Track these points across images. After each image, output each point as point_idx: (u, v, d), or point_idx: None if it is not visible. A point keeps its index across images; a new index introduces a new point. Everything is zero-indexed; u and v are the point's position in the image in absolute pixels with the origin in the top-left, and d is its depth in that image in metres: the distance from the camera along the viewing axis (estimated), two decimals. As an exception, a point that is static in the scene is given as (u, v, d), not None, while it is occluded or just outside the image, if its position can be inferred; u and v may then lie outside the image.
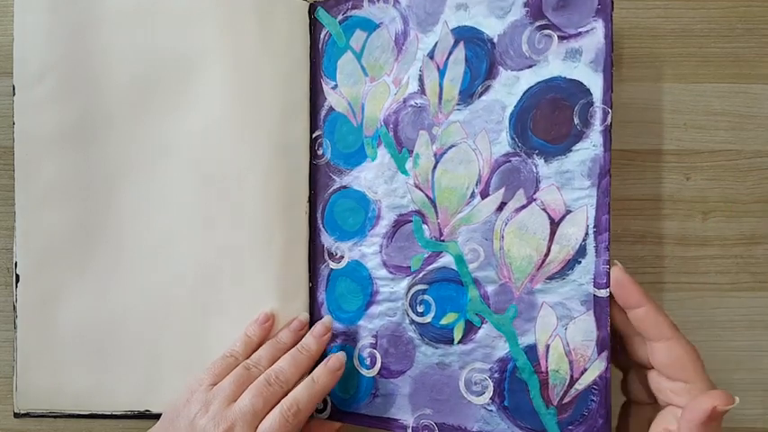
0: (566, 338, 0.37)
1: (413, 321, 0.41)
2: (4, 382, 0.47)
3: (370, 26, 0.43)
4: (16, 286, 0.42)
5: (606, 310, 0.36)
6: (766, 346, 0.44)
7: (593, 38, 0.37)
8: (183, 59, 0.43)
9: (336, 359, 0.41)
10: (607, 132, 0.36)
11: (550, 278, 0.37)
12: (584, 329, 0.36)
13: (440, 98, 0.41)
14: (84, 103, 0.43)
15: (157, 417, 0.40)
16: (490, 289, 0.39)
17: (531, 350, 0.38)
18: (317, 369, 0.41)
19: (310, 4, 0.45)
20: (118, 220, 0.43)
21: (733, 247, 0.44)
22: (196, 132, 0.43)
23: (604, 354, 0.36)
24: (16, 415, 0.43)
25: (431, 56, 0.41)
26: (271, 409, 0.38)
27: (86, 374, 0.43)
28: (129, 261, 0.43)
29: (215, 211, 0.43)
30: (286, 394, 0.39)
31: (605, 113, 0.37)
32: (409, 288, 0.42)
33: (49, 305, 0.43)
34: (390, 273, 0.42)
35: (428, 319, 0.41)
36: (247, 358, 0.41)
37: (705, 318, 0.44)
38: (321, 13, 0.45)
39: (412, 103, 0.42)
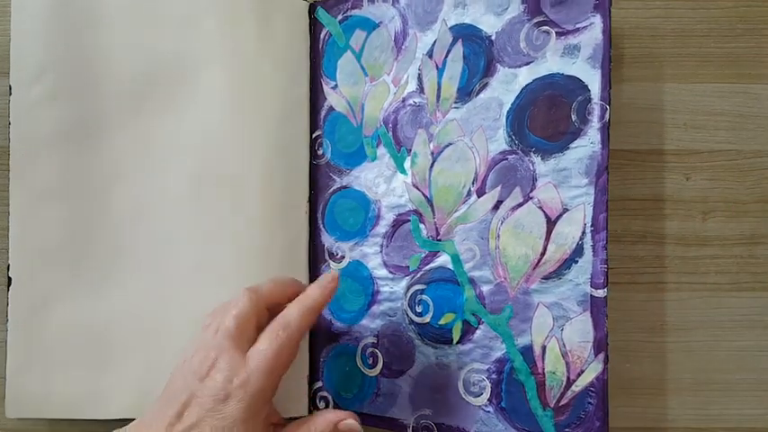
0: (562, 339, 0.37)
1: (412, 321, 0.41)
2: (3, 382, 0.46)
3: (370, 26, 0.43)
4: (8, 289, 0.42)
5: (603, 310, 0.36)
6: (766, 346, 0.44)
7: (591, 33, 0.37)
8: (182, 59, 0.43)
9: (330, 274, 0.39)
10: (605, 129, 0.36)
11: (546, 278, 0.37)
12: (580, 330, 0.36)
13: (438, 96, 0.41)
14: (82, 104, 0.42)
15: None
16: (485, 289, 0.39)
17: (527, 351, 0.38)
18: (309, 286, 0.38)
19: (310, 3, 0.45)
20: (114, 222, 0.43)
21: (733, 247, 0.44)
22: (195, 133, 0.43)
23: (601, 355, 0.36)
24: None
25: (429, 54, 0.41)
26: None
27: (79, 381, 0.42)
28: (125, 264, 0.42)
29: (214, 212, 0.43)
30: None
31: (603, 110, 0.36)
32: (408, 288, 0.42)
33: (41, 309, 0.42)
34: (390, 273, 0.42)
35: (427, 319, 0.41)
36: None
37: (705, 318, 0.44)
38: (321, 13, 0.45)
39: (411, 102, 0.42)
